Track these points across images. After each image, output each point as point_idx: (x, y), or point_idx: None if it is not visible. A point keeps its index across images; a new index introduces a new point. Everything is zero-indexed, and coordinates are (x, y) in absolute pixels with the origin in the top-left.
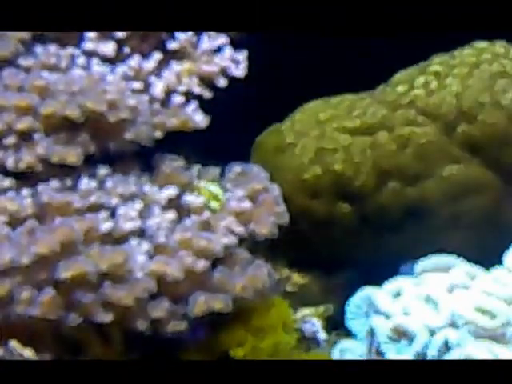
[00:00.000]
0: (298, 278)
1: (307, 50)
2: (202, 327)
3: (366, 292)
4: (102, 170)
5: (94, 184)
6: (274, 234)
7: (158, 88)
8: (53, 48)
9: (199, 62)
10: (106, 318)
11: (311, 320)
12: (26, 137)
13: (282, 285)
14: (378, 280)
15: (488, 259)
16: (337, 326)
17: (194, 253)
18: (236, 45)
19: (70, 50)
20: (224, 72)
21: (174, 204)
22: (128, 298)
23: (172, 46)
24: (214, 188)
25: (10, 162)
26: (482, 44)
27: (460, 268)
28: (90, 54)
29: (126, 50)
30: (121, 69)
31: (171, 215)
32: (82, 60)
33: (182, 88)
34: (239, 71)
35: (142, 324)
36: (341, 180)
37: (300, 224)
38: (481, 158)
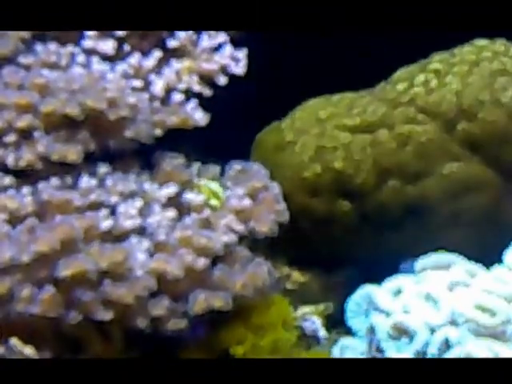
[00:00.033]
0: (298, 276)
1: (307, 48)
2: (202, 325)
3: (366, 290)
4: (102, 168)
5: (94, 182)
6: (274, 231)
7: (158, 86)
8: (53, 46)
9: (199, 60)
10: (106, 315)
11: (311, 318)
12: (26, 135)
13: (282, 283)
14: (378, 278)
15: (488, 257)
16: (337, 323)
17: (194, 251)
18: (236, 43)
19: (70, 48)
20: (224, 70)
21: (174, 202)
22: (128, 295)
23: (172, 43)
24: (214, 186)
25: (10, 160)
26: (482, 42)
27: (460, 266)
28: (89, 52)
29: (126, 48)
30: (121, 67)
31: (171, 213)
32: (81, 58)
33: (182, 86)
34: (239, 69)
35: (142, 322)
36: (341, 178)
37: (300, 222)
38: (481, 156)
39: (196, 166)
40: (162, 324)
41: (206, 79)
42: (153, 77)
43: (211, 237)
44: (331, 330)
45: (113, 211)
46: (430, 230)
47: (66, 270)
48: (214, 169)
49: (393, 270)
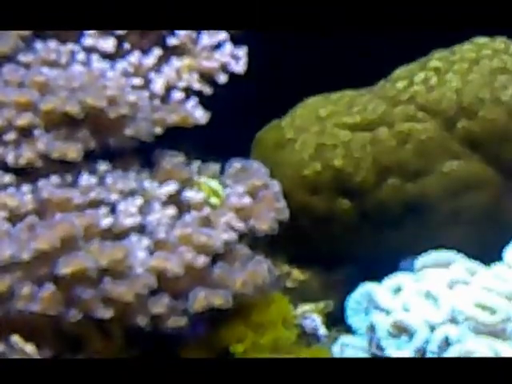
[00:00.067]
0: (298, 274)
1: (307, 46)
2: (202, 323)
3: (366, 288)
4: (102, 166)
5: (94, 180)
6: (274, 229)
7: (158, 84)
8: (53, 44)
9: (199, 58)
10: (106, 313)
11: (311, 316)
12: (26, 133)
13: (282, 281)
14: (378, 276)
15: (488, 255)
16: (337, 321)
17: (194, 249)
18: (236, 41)
19: (70, 46)
20: (224, 68)
21: (174, 200)
22: (128, 293)
23: (172, 41)
24: (214, 184)
25: (10, 158)
26: (482, 40)
27: (460, 264)
28: (89, 50)
29: (126, 46)
30: (121, 65)
31: (171, 211)
32: (81, 56)
33: (182, 84)
34: (239, 67)
35: (142, 320)
36: (341, 176)
37: (300, 220)
38: (481, 154)
39: (196, 164)
40: (162, 322)
41: (206, 77)
42: (153, 75)
43: (211, 235)
44: (331, 328)
45: (113, 209)
46: (430, 228)
47: (66, 268)
48: (214, 167)
49: (393, 267)
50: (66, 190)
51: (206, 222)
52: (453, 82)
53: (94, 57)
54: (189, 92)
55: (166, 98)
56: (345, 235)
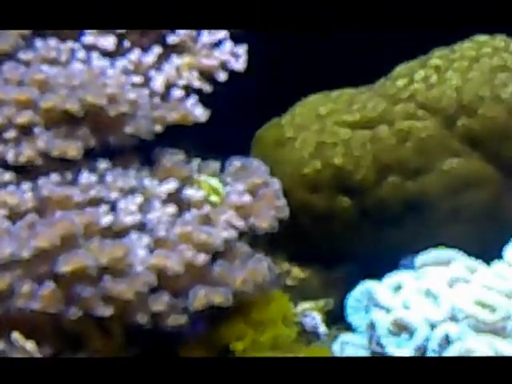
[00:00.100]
0: (298, 272)
1: (307, 45)
2: (202, 321)
3: (366, 286)
4: (102, 164)
5: (94, 178)
6: (274, 227)
7: (158, 82)
8: (53, 42)
9: (199, 56)
10: (107, 311)
11: (311, 314)
12: (26, 131)
13: (282, 279)
14: (378, 274)
15: (488, 253)
16: (337, 319)
17: (194, 246)
18: (235, 39)
19: (70, 43)
20: (224, 66)
21: (174, 198)
22: (128, 291)
23: (172, 39)
24: (214, 182)
25: (10, 156)
26: (482, 38)
27: (460, 262)
28: (89, 48)
29: (126, 44)
30: (121, 63)
31: (171, 209)
32: (81, 54)
33: (182, 82)
34: (239, 65)
35: (143, 318)
36: (341, 174)
37: (300, 218)
38: (481, 152)
39: (196, 162)
40: (162, 320)
41: (206, 75)
42: (153, 73)
43: (211, 233)
44: (331, 325)
45: (113, 207)
46: (430, 226)
47: (66, 266)
48: (214, 165)
49: (393, 265)
50: (66, 188)
51: (206, 220)
52: (453, 80)
53: (94, 55)
54: (189, 90)
55: (165, 95)
56: (345, 233)
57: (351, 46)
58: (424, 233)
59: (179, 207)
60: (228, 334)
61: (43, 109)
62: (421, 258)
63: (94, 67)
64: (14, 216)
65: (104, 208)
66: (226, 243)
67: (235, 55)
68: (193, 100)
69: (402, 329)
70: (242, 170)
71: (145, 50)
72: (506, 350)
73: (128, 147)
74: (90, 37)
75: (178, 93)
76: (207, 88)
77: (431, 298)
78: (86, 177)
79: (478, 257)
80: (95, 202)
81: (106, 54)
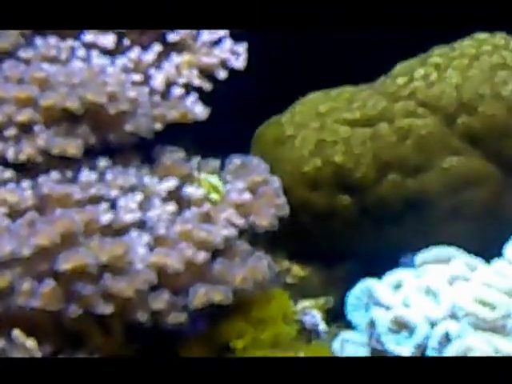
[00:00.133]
0: (298, 270)
1: (307, 42)
2: (202, 319)
3: (367, 284)
4: (102, 162)
5: (94, 176)
6: (274, 225)
7: (158, 80)
8: (53, 40)
9: (199, 54)
10: (107, 309)
11: (311, 312)
12: (26, 129)
13: (282, 277)
14: (378, 272)
15: (488, 251)
16: (337, 317)
17: (195, 244)
18: (235, 37)
19: (70, 42)
20: (224, 64)
21: (174, 196)
22: (128, 289)
23: (172, 38)
24: (214, 180)
25: (10, 154)
26: (482, 35)
27: (460, 260)
28: (89, 46)
29: (126, 42)
30: (121, 61)
31: (171, 207)
32: (81, 52)
33: (182, 80)
34: (239, 63)
35: (143, 316)
36: (341, 172)
37: (300, 216)
38: (481, 150)
39: (196, 160)
40: (162, 318)
41: (206, 73)
42: (153, 71)
43: (211, 231)
44: (331, 323)
45: (113, 205)
46: (430, 223)
47: (66, 264)
48: (214, 163)
49: (393, 263)
50: (66, 186)
51: (206, 218)
52: (453, 78)
53: (94, 53)
54: (189, 88)
55: (165, 93)
56: (345, 231)
57: (351, 44)
58: (424, 231)
59: (179, 205)
60: (228, 331)
61: (43, 107)
62: (421, 256)
63: (94, 65)
64: (14, 214)
65: (104, 206)
66: (226, 241)
67: (235, 53)
68: (193, 98)
69: (402, 327)
70: (242, 167)
71: (145, 48)
72: (506, 348)
73: (128, 145)
74: (89, 35)
75: (177, 91)
76: (207, 86)
77: (431, 295)
78: (86, 175)
79: (478, 255)
80: (95, 200)
81: (105, 52)
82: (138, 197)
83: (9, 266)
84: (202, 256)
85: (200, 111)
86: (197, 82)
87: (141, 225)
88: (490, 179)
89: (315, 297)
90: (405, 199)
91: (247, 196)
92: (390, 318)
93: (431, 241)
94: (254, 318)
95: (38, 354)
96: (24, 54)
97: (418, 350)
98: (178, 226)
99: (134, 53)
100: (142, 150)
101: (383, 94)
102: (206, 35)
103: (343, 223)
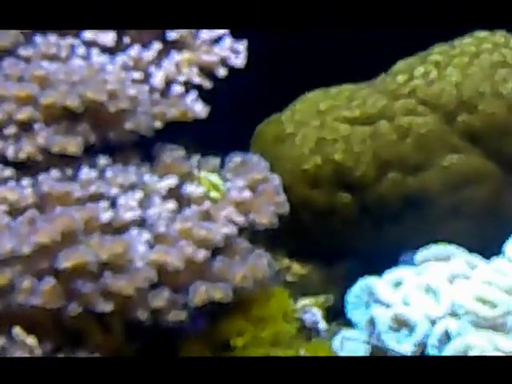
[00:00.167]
0: (298, 268)
1: (307, 40)
2: (202, 317)
3: (367, 282)
4: (102, 160)
5: (94, 174)
6: (274, 223)
7: (158, 78)
8: (53, 38)
9: (199, 52)
10: (107, 307)
11: (311, 310)
12: (26, 127)
13: (282, 275)
14: (378, 270)
15: (488, 249)
16: (337, 315)
17: (195, 242)
18: (235, 35)
19: (70, 39)
20: (224, 62)
21: (174, 194)
22: (128, 287)
23: (172, 36)
24: (214, 178)
25: (10, 152)
26: (482, 34)
27: (460, 258)
28: (89, 44)
29: (126, 40)
30: (121, 59)
31: (171, 205)
32: (81, 50)
33: (182, 78)
34: (239, 61)
35: (143, 313)
36: (341, 170)
37: (300, 214)
38: (481, 148)
39: (196, 158)
40: (162, 316)
41: (206, 71)
42: (153, 69)
43: (211, 228)
44: (331, 321)
45: (113, 203)
46: (430, 221)
47: (66, 262)
48: (214, 161)
49: (393, 261)
50: (66, 184)
51: (206, 216)
52: (453, 76)
53: (94, 51)
54: (188, 86)
55: (165, 92)
56: (345, 229)
57: (351, 42)
58: (424, 229)
59: (179, 203)
60: (228, 329)
61: (43, 105)
62: (421, 254)
63: (94, 63)
64: (15, 212)
65: (104, 204)
66: (226, 239)
67: (235, 51)
68: (193, 96)
69: (402, 325)
70: (242, 165)
71: (144, 46)
72: (506, 346)
73: (128, 143)
74: (89, 33)
75: (177, 89)
76: (207, 84)
77: (431, 293)
78: (86, 173)
79: (478, 253)
80: (95, 198)
81: (105, 50)
82: (138, 195)
83: (9, 264)
84: (202, 254)
85: (200, 109)
86: (197, 79)
87: (141, 223)
88: (490, 177)
89: (315, 295)
90: (405, 197)
91: (247, 194)
92: (390, 315)
93: (431, 239)
94: (254, 316)
95: (39, 352)
96: (24, 51)
97: (418, 348)
98: (178, 223)
99: (134, 51)
100: (142, 148)
101: (383, 92)
102: (206, 33)
103: (343, 221)
